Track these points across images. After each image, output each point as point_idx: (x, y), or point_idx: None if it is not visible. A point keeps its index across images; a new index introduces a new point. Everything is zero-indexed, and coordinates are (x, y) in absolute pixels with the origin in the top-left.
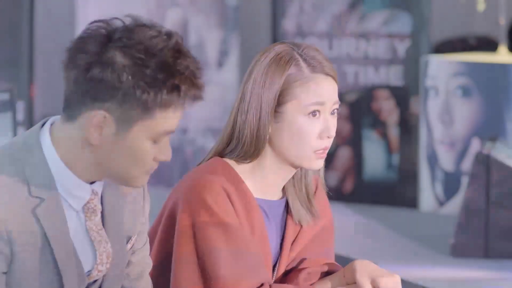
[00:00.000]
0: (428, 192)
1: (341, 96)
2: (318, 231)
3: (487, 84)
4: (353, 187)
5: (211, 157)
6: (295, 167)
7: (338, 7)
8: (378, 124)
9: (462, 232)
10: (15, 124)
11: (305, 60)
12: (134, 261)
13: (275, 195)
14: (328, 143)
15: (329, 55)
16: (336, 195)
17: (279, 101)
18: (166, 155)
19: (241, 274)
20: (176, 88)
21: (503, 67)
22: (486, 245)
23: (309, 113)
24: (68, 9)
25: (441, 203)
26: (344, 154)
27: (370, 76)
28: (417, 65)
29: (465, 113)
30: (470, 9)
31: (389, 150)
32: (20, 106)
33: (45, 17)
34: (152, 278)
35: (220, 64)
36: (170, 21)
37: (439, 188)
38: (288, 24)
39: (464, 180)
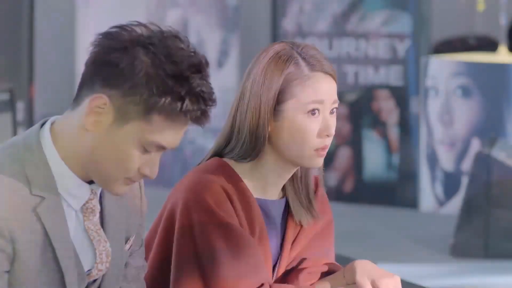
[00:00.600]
0: (428, 192)
1: (341, 96)
2: (318, 230)
3: (487, 84)
4: (353, 187)
5: (211, 157)
6: (295, 166)
7: (338, 7)
8: (378, 124)
9: (462, 232)
10: (15, 124)
11: (304, 58)
12: (131, 262)
13: (275, 194)
14: (327, 141)
15: (329, 55)
16: (336, 195)
17: (278, 100)
18: (152, 171)
19: (241, 274)
20: (180, 100)
21: (503, 67)
22: (486, 245)
23: (308, 112)
24: (68, 9)
25: (441, 203)
26: (344, 154)
27: (370, 76)
28: (417, 65)
29: (465, 113)
30: (470, 9)
31: (389, 150)
32: (20, 106)
33: (45, 18)
34: (152, 278)
35: (220, 64)
36: (170, 21)
37: (439, 188)
38: (288, 24)
39: (464, 180)
